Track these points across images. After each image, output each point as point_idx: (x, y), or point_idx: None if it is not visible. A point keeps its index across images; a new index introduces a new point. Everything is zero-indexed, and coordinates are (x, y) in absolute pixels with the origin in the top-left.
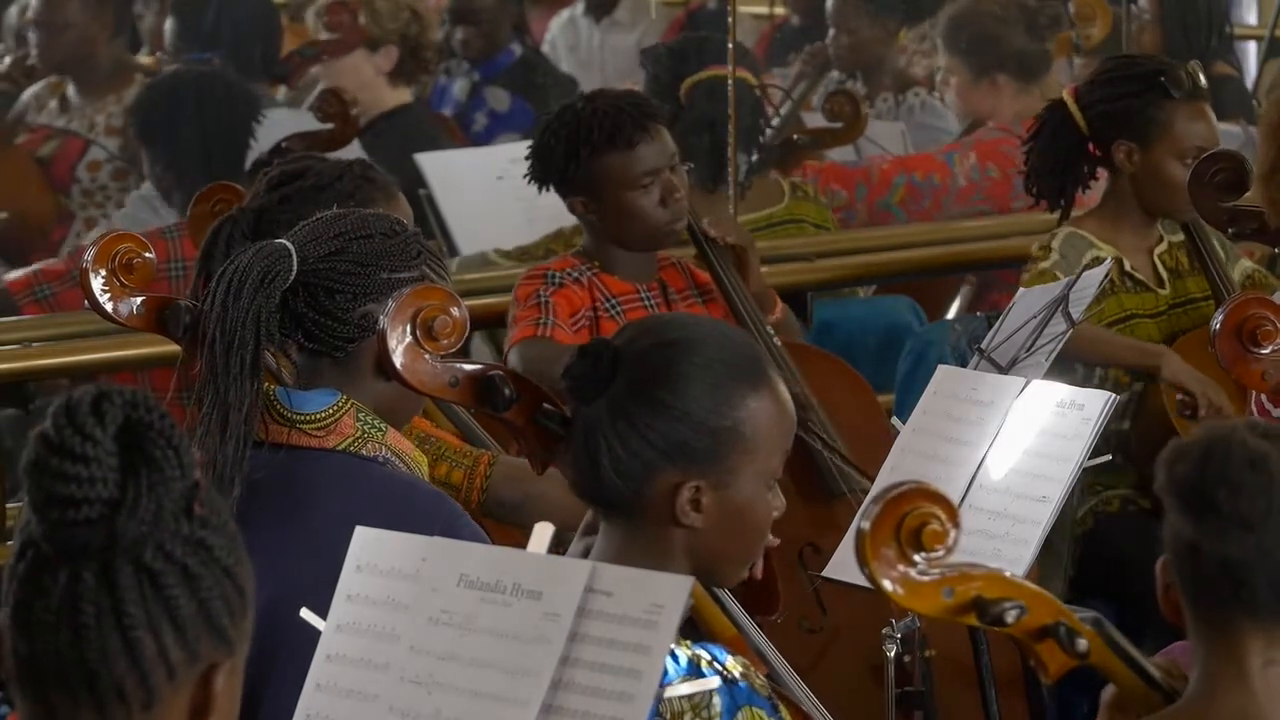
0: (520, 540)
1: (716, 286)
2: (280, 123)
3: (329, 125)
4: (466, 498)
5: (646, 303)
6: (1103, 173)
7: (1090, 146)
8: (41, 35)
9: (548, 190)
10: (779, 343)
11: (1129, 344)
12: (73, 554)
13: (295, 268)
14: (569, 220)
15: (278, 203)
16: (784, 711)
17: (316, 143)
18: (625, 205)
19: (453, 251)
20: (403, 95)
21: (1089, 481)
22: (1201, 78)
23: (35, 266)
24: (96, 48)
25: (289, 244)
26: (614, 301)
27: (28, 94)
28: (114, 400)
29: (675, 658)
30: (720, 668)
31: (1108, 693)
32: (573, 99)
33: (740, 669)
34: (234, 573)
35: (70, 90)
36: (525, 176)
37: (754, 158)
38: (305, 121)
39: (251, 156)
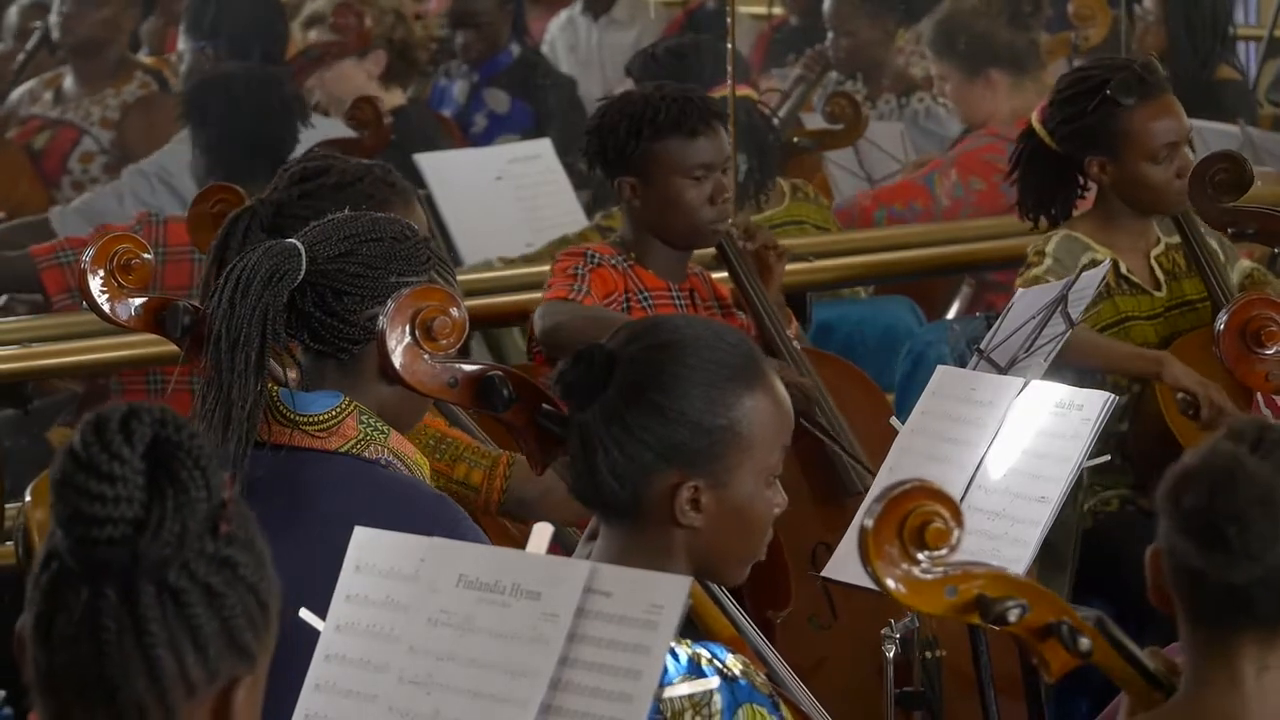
0: (520, 543)
1: (739, 292)
2: None
3: (362, 132)
4: (487, 498)
5: (677, 301)
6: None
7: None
8: (72, 7)
9: (594, 171)
10: (797, 345)
11: (1128, 350)
12: (95, 572)
13: (304, 267)
14: (569, 224)
15: (298, 198)
16: (784, 709)
17: (348, 150)
18: (674, 193)
19: (451, 250)
20: (396, 98)
21: (1089, 482)
22: (1158, 68)
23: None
24: (119, 35)
25: (299, 244)
26: (647, 294)
27: (19, 90)
28: (143, 419)
29: (675, 656)
30: (720, 666)
31: None
32: (639, 88)
33: (740, 667)
34: (258, 589)
35: (67, 82)
36: (581, 153)
37: (760, 168)
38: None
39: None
